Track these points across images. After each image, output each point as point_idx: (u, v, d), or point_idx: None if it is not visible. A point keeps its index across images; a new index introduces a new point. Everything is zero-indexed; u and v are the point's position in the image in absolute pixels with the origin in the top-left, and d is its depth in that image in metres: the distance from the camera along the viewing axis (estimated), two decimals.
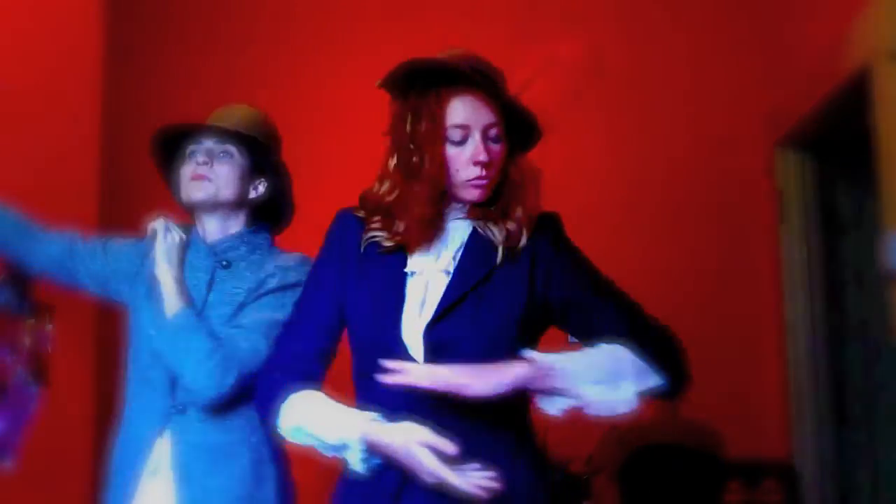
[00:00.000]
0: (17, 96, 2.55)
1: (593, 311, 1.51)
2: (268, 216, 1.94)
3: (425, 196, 1.47)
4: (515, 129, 1.52)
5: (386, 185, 1.51)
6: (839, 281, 3.37)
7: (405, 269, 1.50)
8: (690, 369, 1.54)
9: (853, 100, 2.62)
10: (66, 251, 1.96)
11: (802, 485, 3.20)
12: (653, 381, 1.46)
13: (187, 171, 1.85)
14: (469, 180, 1.50)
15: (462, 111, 1.48)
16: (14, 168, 2.50)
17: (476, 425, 1.41)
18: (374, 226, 1.53)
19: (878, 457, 3.28)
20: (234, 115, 1.89)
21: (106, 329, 3.18)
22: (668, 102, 3.56)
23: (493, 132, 1.50)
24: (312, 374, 1.52)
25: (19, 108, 2.56)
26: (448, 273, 1.49)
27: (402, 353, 1.44)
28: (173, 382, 1.76)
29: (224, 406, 1.73)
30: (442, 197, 1.50)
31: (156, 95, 3.58)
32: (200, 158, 1.83)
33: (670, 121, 3.54)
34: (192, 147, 1.86)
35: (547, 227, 1.55)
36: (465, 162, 1.49)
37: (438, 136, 1.47)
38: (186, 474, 1.73)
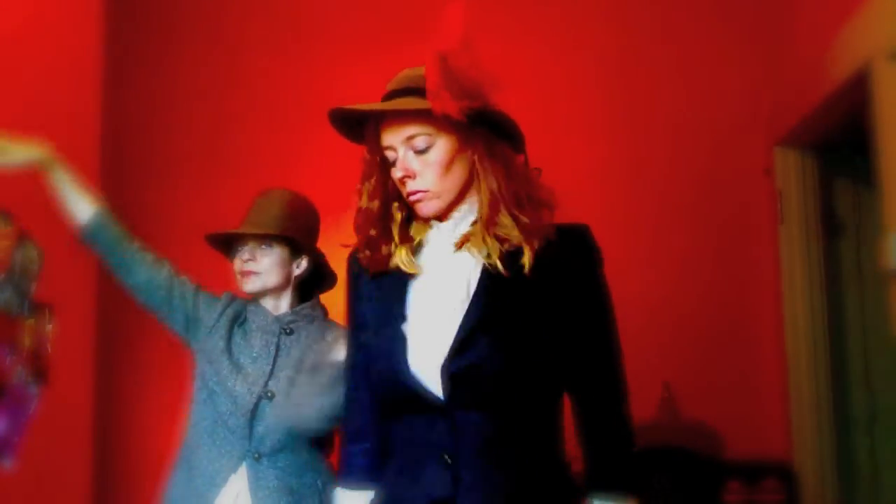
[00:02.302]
0: (17, 97, 2.55)
1: (582, 370, 1.48)
2: (316, 284, 2.21)
3: (358, 222, 1.53)
4: (495, 129, 1.47)
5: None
6: (839, 281, 3.36)
7: (404, 310, 1.48)
8: (637, 480, 1.49)
9: (853, 100, 2.62)
10: (167, 283, 2.14)
11: (802, 485, 3.20)
12: None
13: (237, 266, 2.13)
14: (406, 198, 1.48)
15: (384, 137, 1.47)
16: (15, 169, 2.50)
17: (511, 478, 1.41)
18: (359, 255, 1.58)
19: (878, 456, 3.28)
20: (271, 208, 2.13)
21: (106, 329, 3.19)
22: (668, 103, 3.56)
23: (415, 143, 1.44)
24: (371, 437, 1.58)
25: (20, 109, 2.56)
26: (463, 301, 1.44)
27: (416, 387, 1.42)
28: (249, 434, 2.00)
29: (294, 454, 2.01)
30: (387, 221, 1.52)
31: (156, 97, 3.58)
32: (245, 256, 2.11)
33: (670, 122, 3.54)
34: (238, 243, 2.14)
35: (584, 247, 1.49)
36: (399, 183, 1.48)
37: (372, 166, 1.51)
38: None
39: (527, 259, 1.42)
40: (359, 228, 1.54)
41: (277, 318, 2.13)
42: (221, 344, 2.10)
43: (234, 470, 1.99)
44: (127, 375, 3.37)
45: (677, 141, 3.53)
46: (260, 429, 2.00)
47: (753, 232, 3.48)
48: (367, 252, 1.52)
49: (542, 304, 1.43)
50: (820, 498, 3.17)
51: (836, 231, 3.40)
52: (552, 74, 3.57)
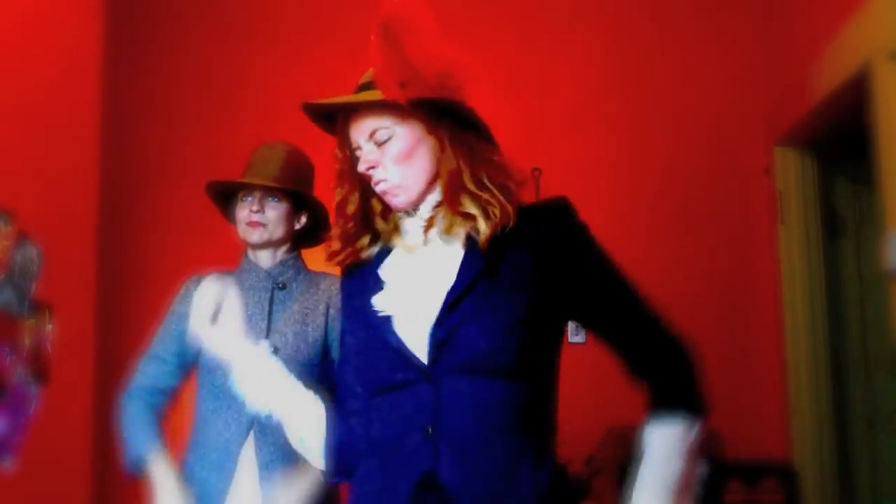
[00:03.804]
0: (17, 97, 2.54)
1: (609, 320, 1.47)
2: (305, 238, 2.22)
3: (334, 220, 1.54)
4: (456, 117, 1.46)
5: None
6: (839, 281, 3.36)
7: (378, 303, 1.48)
8: (707, 394, 1.46)
9: (853, 100, 2.62)
10: (178, 365, 2.16)
11: (802, 485, 3.20)
12: (688, 433, 1.42)
13: (242, 216, 2.12)
14: (376, 188, 1.48)
15: (349, 134, 1.48)
16: (15, 168, 2.50)
17: (493, 450, 1.38)
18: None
19: (877, 457, 3.28)
20: (276, 161, 2.13)
21: (106, 329, 3.19)
22: (668, 102, 3.56)
23: (377, 136, 1.45)
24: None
25: (20, 108, 2.56)
26: (443, 276, 1.45)
27: (402, 350, 1.42)
28: None
29: None
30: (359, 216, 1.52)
31: (155, 95, 3.59)
32: (254, 207, 2.10)
33: (670, 121, 3.54)
34: (243, 193, 2.13)
35: (559, 214, 1.48)
36: (366, 177, 1.48)
37: (341, 161, 1.51)
38: (270, 472, 1.99)
39: (483, 233, 1.42)
40: (334, 224, 1.55)
41: (269, 273, 2.14)
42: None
43: (245, 434, 2.02)
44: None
45: (677, 141, 3.53)
46: None
47: (753, 232, 3.48)
48: (339, 246, 1.53)
49: (520, 274, 1.44)
50: (820, 498, 3.17)
51: (836, 231, 3.40)
52: (552, 75, 3.57)
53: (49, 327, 2.60)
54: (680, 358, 1.48)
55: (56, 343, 2.63)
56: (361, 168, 1.46)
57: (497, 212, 1.42)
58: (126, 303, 3.36)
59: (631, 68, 3.58)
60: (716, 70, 3.56)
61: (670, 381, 1.45)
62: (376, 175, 1.46)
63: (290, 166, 2.14)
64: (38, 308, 2.54)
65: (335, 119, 1.52)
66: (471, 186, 1.43)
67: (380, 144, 1.45)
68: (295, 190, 2.11)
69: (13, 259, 2.40)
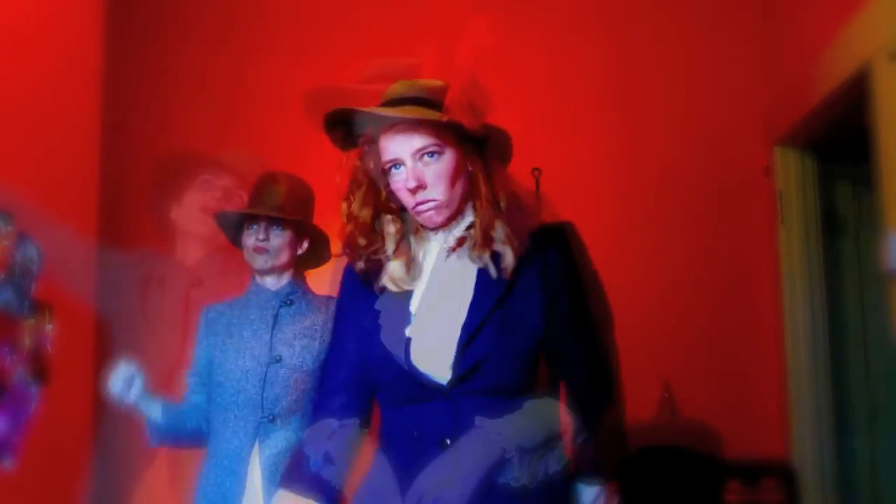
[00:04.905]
0: (17, 97, 2.55)
1: (564, 353, 1.52)
2: (306, 261, 2.37)
3: (347, 232, 1.55)
4: (489, 144, 1.51)
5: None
6: (839, 281, 3.36)
7: (410, 309, 1.51)
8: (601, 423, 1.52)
9: (853, 100, 2.62)
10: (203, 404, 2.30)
11: (802, 485, 3.20)
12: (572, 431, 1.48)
13: (248, 243, 2.27)
14: (413, 208, 1.50)
15: (390, 147, 1.48)
16: (15, 169, 2.50)
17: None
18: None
19: (877, 456, 3.28)
20: (280, 191, 2.28)
21: (106, 329, 3.18)
22: (668, 102, 3.56)
23: (426, 154, 1.46)
24: (343, 409, 1.59)
25: (20, 109, 2.56)
26: (464, 300, 1.49)
27: (421, 378, 1.46)
28: (261, 400, 2.16)
29: (306, 420, 2.05)
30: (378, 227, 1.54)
31: (156, 95, 3.58)
32: (260, 235, 2.24)
33: (670, 121, 3.54)
34: (249, 221, 2.28)
35: (560, 242, 1.54)
36: (405, 193, 1.49)
37: (365, 173, 1.52)
38: (273, 476, 2.08)
39: (509, 262, 1.48)
40: (349, 238, 1.55)
41: (276, 294, 2.29)
42: (218, 341, 2.27)
43: (253, 440, 2.15)
44: None
45: (677, 141, 3.53)
46: (271, 393, 2.15)
47: (753, 232, 3.48)
48: (361, 264, 1.54)
49: (530, 299, 1.49)
50: (820, 498, 3.17)
51: (836, 231, 3.40)
52: (551, 75, 3.57)
53: (49, 327, 2.60)
54: (599, 408, 1.51)
55: (56, 343, 2.63)
56: (411, 185, 1.46)
57: (516, 242, 1.48)
58: (126, 303, 3.35)
59: (631, 68, 3.58)
60: (716, 70, 3.56)
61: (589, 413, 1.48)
62: (422, 195, 1.47)
63: (293, 196, 2.29)
64: (38, 308, 2.54)
65: (348, 127, 1.52)
66: (501, 214, 1.49)
67: (429, 163, 1.46)
68: (297, 219, 2.26)
69: (13, 259, 2.41)
